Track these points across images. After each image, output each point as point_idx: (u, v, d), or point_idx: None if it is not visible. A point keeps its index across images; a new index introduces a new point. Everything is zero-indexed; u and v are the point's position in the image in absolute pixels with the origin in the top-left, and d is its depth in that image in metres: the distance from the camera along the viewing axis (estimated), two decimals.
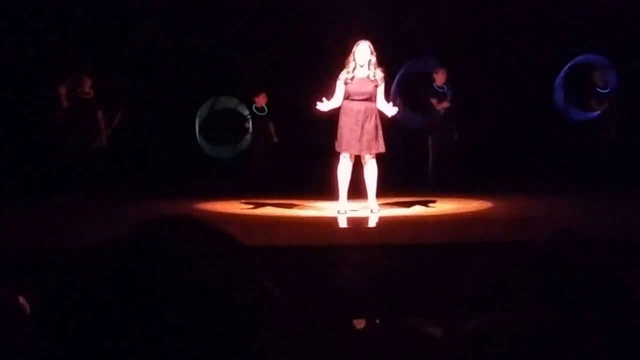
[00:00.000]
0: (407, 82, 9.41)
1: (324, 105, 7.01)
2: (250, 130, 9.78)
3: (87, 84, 9.40)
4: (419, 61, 9.56)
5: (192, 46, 10.30)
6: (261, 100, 10.02)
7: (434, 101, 9.72)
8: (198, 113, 9.66)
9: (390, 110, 7.14)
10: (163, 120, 10.16)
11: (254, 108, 10.00)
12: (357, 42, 7.10)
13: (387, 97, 7.38)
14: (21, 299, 2.08)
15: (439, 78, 9.79)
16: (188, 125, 9.95)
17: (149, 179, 9.63)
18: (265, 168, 9.87)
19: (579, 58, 9.48)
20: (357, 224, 6.91)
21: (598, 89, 9.68)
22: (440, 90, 9.79)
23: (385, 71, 7.18)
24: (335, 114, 7.19)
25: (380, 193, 7.43)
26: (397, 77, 8.81)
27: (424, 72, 9.73)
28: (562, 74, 9.39)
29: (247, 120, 9.78)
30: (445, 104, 9.68)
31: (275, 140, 10.08)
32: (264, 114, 10.01)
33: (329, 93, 7.13)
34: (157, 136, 10.16)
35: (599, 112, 9.52)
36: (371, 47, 7.07)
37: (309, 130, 9.89)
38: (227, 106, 9.94)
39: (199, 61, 10.40)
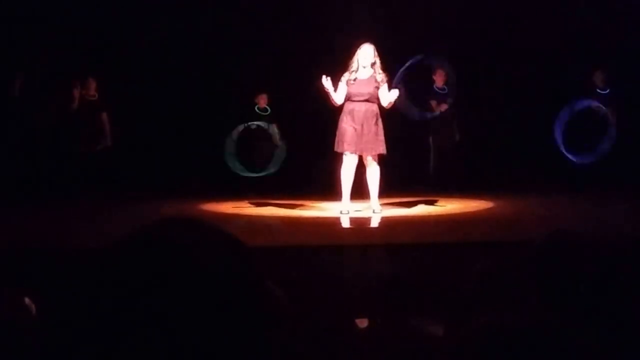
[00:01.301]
0: (411, 77, 9.02)
1: (328, 84, 6.95)
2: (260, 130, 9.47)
3: (92, 86, 9.42)
4: (429, 56, 9.03)
5: (194, 47, 10.31)
6: (262, 101, 10.01)
7: (433, 103, 9.69)
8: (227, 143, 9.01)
9: (392, 95, 6.95)
10: (166, 121, 10.17)
11: (256, 109, 9.99)
12: (361, 45, 7.08)
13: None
14: (27, 300, 2.09)
15: (439, 79, 9.76)
16: (189, 126, 9.95)
17: (153, 180, 9.63)
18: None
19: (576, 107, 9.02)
20: (360, 224, 6.91)
21: (598, 90, 9.65)
22: (440, 91, 9.76)
23: (388, 75, 7.15)
24: (337, 114, 7.20)
25: (382, 193, 7.44)
26: (403, 68, 8.30)
27: (429, 66, 9.46)
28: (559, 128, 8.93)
29: (250, 126, 9.49)
30: (444, 106, 9.63)
31: (279, 143, 10.05)
32: (266, 114, 10.00)
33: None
34: (160, 137, 10.17)
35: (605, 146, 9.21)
36: (375, 50, 7.05)
37: (311, 131, 9.88)
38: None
39: (201, 62, 10.41)
